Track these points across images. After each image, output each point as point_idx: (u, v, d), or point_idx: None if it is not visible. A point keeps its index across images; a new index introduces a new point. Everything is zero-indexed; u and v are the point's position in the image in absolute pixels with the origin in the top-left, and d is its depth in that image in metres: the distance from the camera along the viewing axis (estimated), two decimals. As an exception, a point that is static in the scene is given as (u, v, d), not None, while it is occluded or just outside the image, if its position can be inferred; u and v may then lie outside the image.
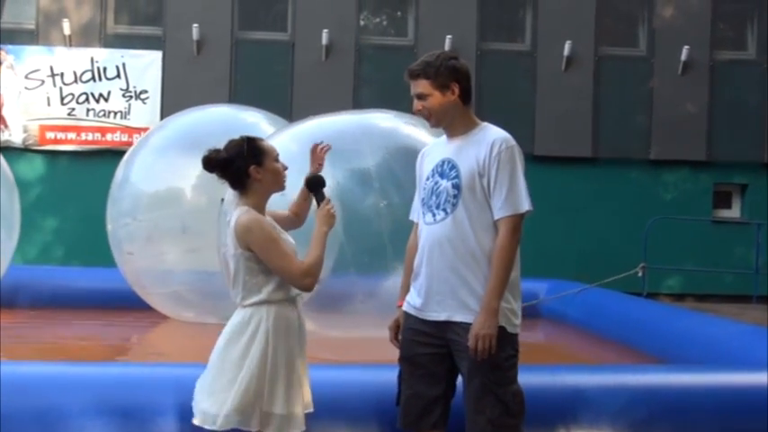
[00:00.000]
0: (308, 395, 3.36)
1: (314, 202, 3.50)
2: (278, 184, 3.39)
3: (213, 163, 3.32)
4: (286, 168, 3.42)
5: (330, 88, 12.80)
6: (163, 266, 7.66)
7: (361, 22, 13.40)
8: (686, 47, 13.21)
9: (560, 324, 8.40)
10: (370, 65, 13.04)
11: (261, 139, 3.42)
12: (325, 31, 12.73)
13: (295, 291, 3.33)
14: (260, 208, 3.35)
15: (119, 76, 12.75)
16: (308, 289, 3.30)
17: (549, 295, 8.90)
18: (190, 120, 8.40)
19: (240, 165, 3.29)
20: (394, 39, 13.40)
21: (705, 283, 13.01)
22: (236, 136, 3.42)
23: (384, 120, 6.34)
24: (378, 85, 12.86)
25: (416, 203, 3.59)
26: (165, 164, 7.83)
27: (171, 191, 7.80)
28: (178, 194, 7.76)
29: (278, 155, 3.41)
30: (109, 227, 7.97)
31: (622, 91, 13.36)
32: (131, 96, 12.73)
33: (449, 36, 12.77)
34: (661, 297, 12.77)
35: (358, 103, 12.81)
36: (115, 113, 12.63)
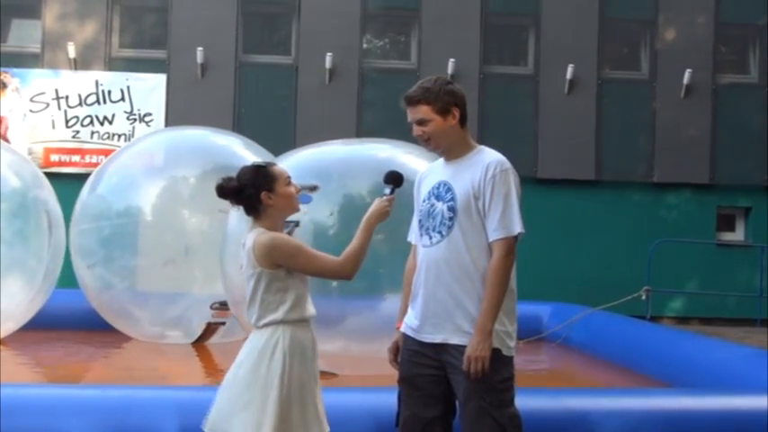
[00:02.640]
0: (322, 416, 3.37)
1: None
2: (291, 207, 3.44)
3: (226, 191, 3.38)
4: (299, 191, 3.47)
5: (334, 111, 12.85)
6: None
7: (365, 46, 13.47)
8: (689, 70, 13.26)
9: (564, 348, 8.37)
10: (373, 88, 13.09)
11: (272, 164, 3.47)
12: (329, 54, 12.80)
13: (309, 312, 3.38)
14: (275, 231, 3.39)
15: (123, 99, 12.82)
16: (348, 276, 3.36)
17: (553, 319, 8.88)
18: (158, 141, 8.58)
19: (251, 192, 3.35)
20: (397, 62, 13.46)
21: (709, 306, 12.97)
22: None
23: (382, 150, 6.41)
24: (381, 108, 12.91)
25: (414, 225, 3.62)
26: (127, 183, 7.97)
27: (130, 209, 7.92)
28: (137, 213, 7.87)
29: (289, 177, 3.45)
30: (73, 244, 8.07)
31: (625, 114, 13.39)
32: (135, 119, 12.79)
33: (452, 60, 12.83)
34: (665, 320, 12.73)
35: (362, 126, 12.86)
36: (119, 136, 12.69)
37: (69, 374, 6.71)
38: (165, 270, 7.78)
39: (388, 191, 3.47)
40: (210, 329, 7.87)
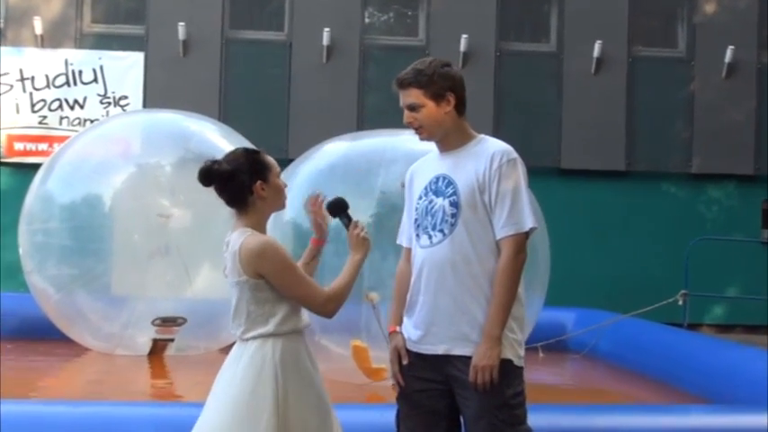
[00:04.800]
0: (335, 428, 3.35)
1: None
2: (280, 202, 3.44)
3: (214, 175, 3.33)
4: (286, 186, 3.47)
5: (332, 94, 12.83)
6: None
7: (367, 20, 13.45)
8: (731, 47, 13.21)
9: (590, 359, 8.38)
10: (376, 68, 13.07)
11: (263, 152, 3.46)
12: (327, 29, 12.77)
13: (304, 322, 3.36)
14: (261, 229, 3.37)
15: (96, 80, 12.80)
16: (329, 315, 3.35)
17: (578, 326, 8.87)
18: (119, 125, 8.62)
19: (244, 179, 3.32)
20: (403, 39, 13.44)
21: (754, 312, 12.93)
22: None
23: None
24: (385, 91, 12.86)
25: (405, 226, 3.62)
26: (85, 175, 8.01)
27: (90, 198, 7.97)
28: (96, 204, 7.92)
29: (280, 171, 3.45)
30: (21, 244, 8.11)
31: (659, 96, 13.36)
32: (110, 103, 12.78)
33: (464, 35, 12.81)
34: (704, 328, 12.70)
35: (363, 111, 12.84)
36: (92, 122, 12.68)
37: (26, 387, 6.73)
38: (139, 272, 7.83)
39: (345, 221, 3.47)
40: (159, 346, 7.98)
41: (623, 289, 12.41)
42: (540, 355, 8.34)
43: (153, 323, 7.88)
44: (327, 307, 3.32)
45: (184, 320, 7.90)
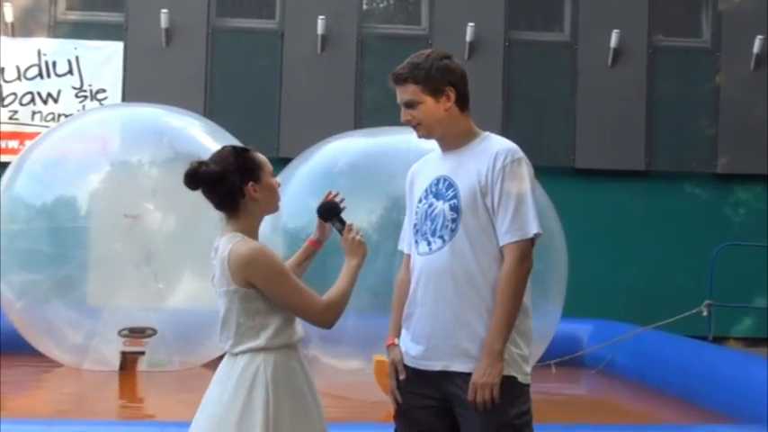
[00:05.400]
0: None
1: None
2: (274, 203, 3.44)
3: (202, 177, 3.34)
4: (279, 185, 3.47)
5: (327, 87, 12.84)
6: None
7: (365, 7, 13.45)
8: (759, 37, 13.21)
9: (607, 374, 8.37)
10: (375, 59, 13.07)
11: (253, 150, 3.46)
12: (321, 17, 12.78)
13: (298, 335, 3.36)
14: (253, 233, 3.37)
15: (71, 71, 12.80)
16: (327, 325, 3.35)
17: (594, 340, 8.88)
18: (96, 121, 8.63)
19: (235, 181, 3.32)
20: (404, 27, 13.44)
21: (785, 324, 12.93)
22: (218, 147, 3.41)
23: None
24: (385, 84, 12.83)
25: (407, 230, 3.64)
26: (56, 175, 8.03)
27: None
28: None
29: (272, 169, 3.45)
30: None
31: (682, 90, 13.36)
32: (86, 96, 12.78)
33: (471, 24, 12.81)
34: (730, 342, 12.69)
35: (361, 105, 12.84)
36: (66, 117, 12.67)
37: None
38: (117, 280, 7.84)
39: (338, 225, 3.50)
40: (129, 359, 7.99)
41: (643, 299, 12.40)
42: (553, 370, 8.35)
43: (120, 334, 7.87)
44: (325, 316, 3.32)
45: (154, 332, 7.90)
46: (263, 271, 3.25)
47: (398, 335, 3.58)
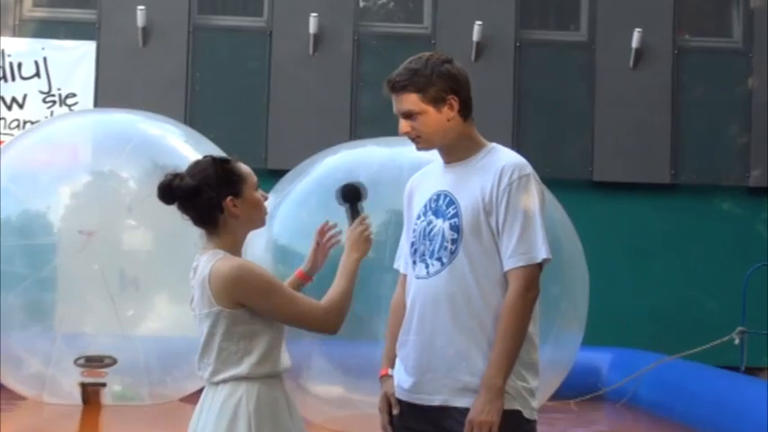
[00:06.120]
0: None
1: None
2: (258, 219, 3.46)
3: (176, 192, 3.36)
4: (266, 199, 3.49)
5: (320, 92, 12.84)
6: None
7: (362, 4, 13.48)
8: (796, 36, 13.25)
9: (631, 408, 8.36)
10: (373, 60, 13.09)
11: (235, 160, 3.47)
12: (314, 15, 12.80)
13: (283, 365, 3.37)
14: (236, 251, 3.39)
15: (38, 74, 12.81)
16: (332, 330, 3.37)
17: (615, 370, 8.87)
18: (65, 128, 8.64)
19: (212, 196, 3.34)
20: (405, 26, 13.46)
21: (825, 353, 12.93)
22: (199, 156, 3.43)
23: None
24: (382, 87, 12.89)
25: (403, 249, 3.64)
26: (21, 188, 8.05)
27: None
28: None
29: (257, 182, 3.46)
30: None
31: (711, 95, 13.37)
32: (54, 101, 12.79)
33: (478, 22, 12.83)
34: (765, 373, 12.67)
35: (358, 111, 12.85)
36: (33, 124, 12.69)
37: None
38: (82, 304, 7.83)
39: (352, 212, 3.50)
40: (91, 392, 7.94)
41: (668, 325, 12.38)
42: (571, 405, 8.34)
43: (76, 363, 7.83)
44: (328, 321, 3.34)
45: (113, 361, 7.87)
46: (252, 287, 3.27)
47: (392, 365, 3.58)
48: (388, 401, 3.55)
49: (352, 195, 3.52)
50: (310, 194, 7.06)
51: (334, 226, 3.62)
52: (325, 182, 6.99)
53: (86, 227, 7.80)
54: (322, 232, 3.66)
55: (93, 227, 7.91)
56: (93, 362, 7.81)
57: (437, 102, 3.45)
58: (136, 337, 7.95)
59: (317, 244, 3.66)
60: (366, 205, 3.54)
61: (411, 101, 3.46)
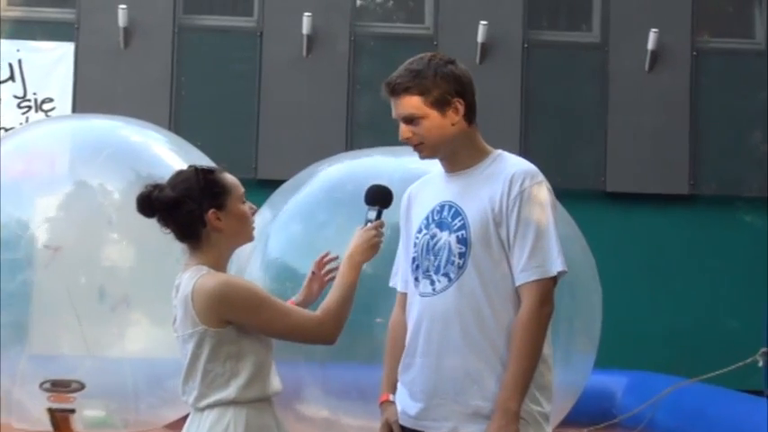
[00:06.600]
0: None
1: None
2: (245, 233, 3.47)
3: (155, 204, 3.36)
4: (254, 212, 3.50)
5: (314, 96, 12.85)
6: None
7: (358, 3, 13.50)
8: (823, 37, 13.27)
9: (646, 435, 8.36)
10: (370, 63, 13.11)
11: (220, 171, 3.48)
12: (307, 14, 12.82)
13: (273, 388, 3.37)
14: (221, 267, 3.40)
15: (12, 77, 12.83)
16: (328, 340, 3.37)
17: (630, 395, 8.86)
18: (42, 135, 8.65)
19: (193, 208, 3.35)
20: (405, 26, 13.49)
21: None
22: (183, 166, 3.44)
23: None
24: (381, 91, 12.90)
25: (401, 265, 3.64)
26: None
27: None
28: None
29: (244, 193, 3.46)
30: None
31: (732, 100, 13.38)
32: (30, 107, 12.80)
33: (483, 22, 12.85)
34: (791, 397, 12.66)
35: (354, 116, 12.85)
36: (6, 132, 12.69)
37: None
38: (57, 324, 7.83)
39: (372, 214, 3.50)
40: (60, 418, 7.91)
41: (687, 346, 12.37)
42: (584, 432, 8.34)
43: (41, 387, 7.82)
44: (324, 331, 3.35)
45: (81, 385, 7.84)
46: (239, 303, 3.28)
47: (393, 390, 3.58)
48: (389, 430, 3.55)
49: (380, 199, 3.53)
50: (312, 208, 7.02)
51: (335, 258, 3.63)
52: (330, 195, 6.96)
53: (56, 241, 7.80)
54: (320, 264, 3.68)
55: (69, 241, 7.91)
56: (60, 386, 7.78)
57: (441, 105, 3.44)
58: (111, 359, 7.93)
59: (313, 274, 3.68)
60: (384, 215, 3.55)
61: (413, 104, 3.45)
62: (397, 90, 3.47)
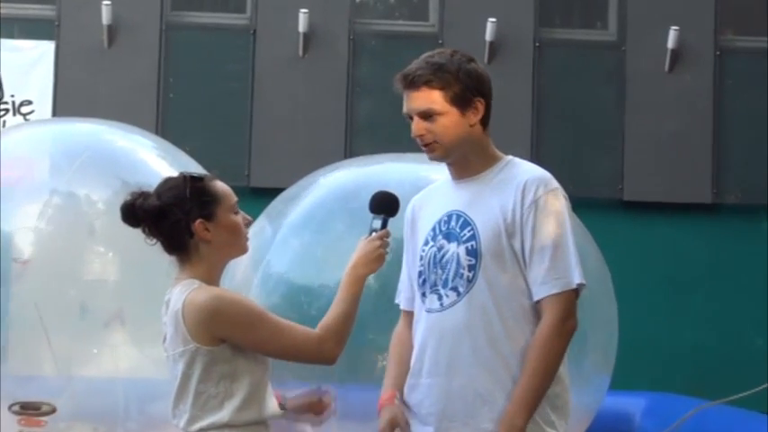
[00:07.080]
0: None
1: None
2: (237, 245, 3.47)
3: (140, 213, 3.37)
4: (249, 223, 3.50)
5: (311, 98, 12.87)
6: None
7: (359, -1, 13.53)
8: None
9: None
10: (371, 63, 13.13)
11: (211, 178, 3.48)
12: (303, 11, 12.83)
13: (269, 410, 3.36)
14: (213, 281, 3.40)
15: (-11, 78, 12.85)
16: (329, 359, 3.37)
17: (649, 417, 8.86)
18: (19, 140, 8.68)
19: (180, 218, 3.35)
20: (408, 24, 13.51)
21: None
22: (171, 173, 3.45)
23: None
24: (384, 93, 12.91)
25: (407, 280, 3.65)
26: None
27: None
28: None
29: (236, 202, 3.47)
30: None
31: (758, 102, 13.39)
32: (8, 110, 12.82)
33: (491, 20, 12.86)
34: (821, 420, 12.66)
35: (354, 119, 12.86)
36: (-18, 136, 12.74)
37: None
38: (34, 342, 7.85)
39: (378, 223, 3.50)
40: None
41: (710, 366, 12.37)
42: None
43: (10, 410, 7.83)
44: (324, 350, 3.34)
45: (52, 408, 7.85)
46: (233, 319, 3.28)
47: (399, 387, 3.56)
48: (392, 425, 3.51)
49: (386, 207, 3.53)
50: (324, 219, 6.99)
51: (334, 399, 3.64)
52: (345, 205, 6.93)
53: (32, 254, 7.81)
54: (319, 408, 3.66)
55: (47, 253, 7.93)
56: (29, 409, 7.79)
57: (462, 103, 3.45)
58: (89, 379, 7.94)
59: (310, 403, 3.65)
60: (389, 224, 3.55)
61: (433, 98, 3.44)
62: (416, 82, 3.45)
